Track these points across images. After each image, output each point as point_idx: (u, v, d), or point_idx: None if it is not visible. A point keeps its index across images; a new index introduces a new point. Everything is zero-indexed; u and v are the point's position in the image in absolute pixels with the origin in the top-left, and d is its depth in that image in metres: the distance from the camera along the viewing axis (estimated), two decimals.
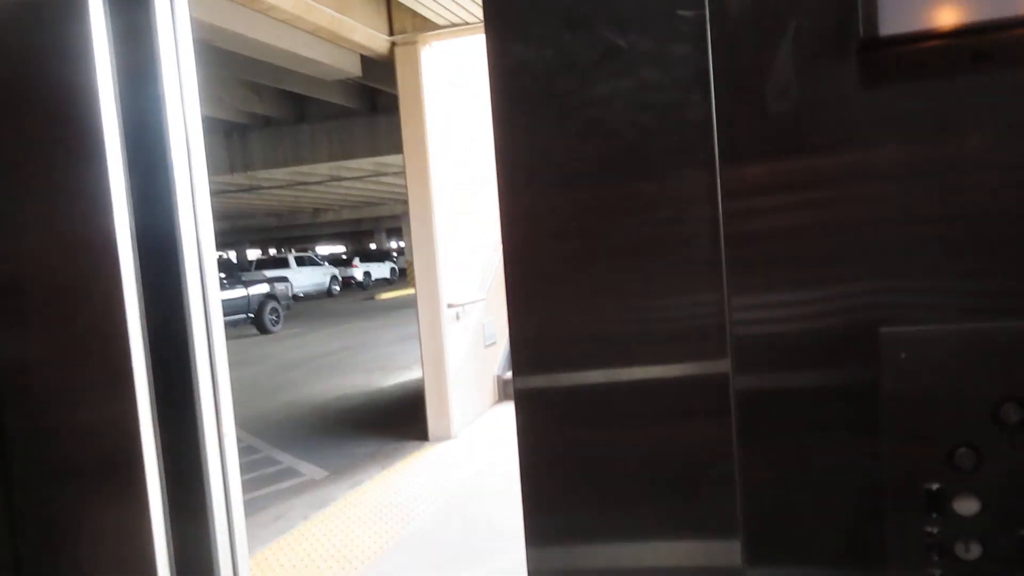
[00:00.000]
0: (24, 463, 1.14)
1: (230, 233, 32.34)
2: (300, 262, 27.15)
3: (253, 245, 38.81)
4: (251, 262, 26.94)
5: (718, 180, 0.81)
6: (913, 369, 0.76)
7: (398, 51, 5.90)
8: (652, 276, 0.83)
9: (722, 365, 0.82)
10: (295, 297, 20.98)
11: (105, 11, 1.04)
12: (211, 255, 1.14)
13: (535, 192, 0.82)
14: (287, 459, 6.06)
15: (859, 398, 0.78)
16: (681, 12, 0.82)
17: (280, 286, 16.52)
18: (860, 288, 0.77)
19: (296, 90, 9.89)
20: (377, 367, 10.21)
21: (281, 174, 15.62)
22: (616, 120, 0.83)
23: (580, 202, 0.83)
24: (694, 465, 0.83)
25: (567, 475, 0.86)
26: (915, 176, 0.75)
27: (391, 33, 5.89)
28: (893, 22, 0.74)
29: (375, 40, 5.77)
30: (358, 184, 19.42)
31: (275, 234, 36.14)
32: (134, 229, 1.06)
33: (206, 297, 1.14)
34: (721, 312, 0.81)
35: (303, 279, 25.83)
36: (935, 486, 0.74)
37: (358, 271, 30.49)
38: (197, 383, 1.12)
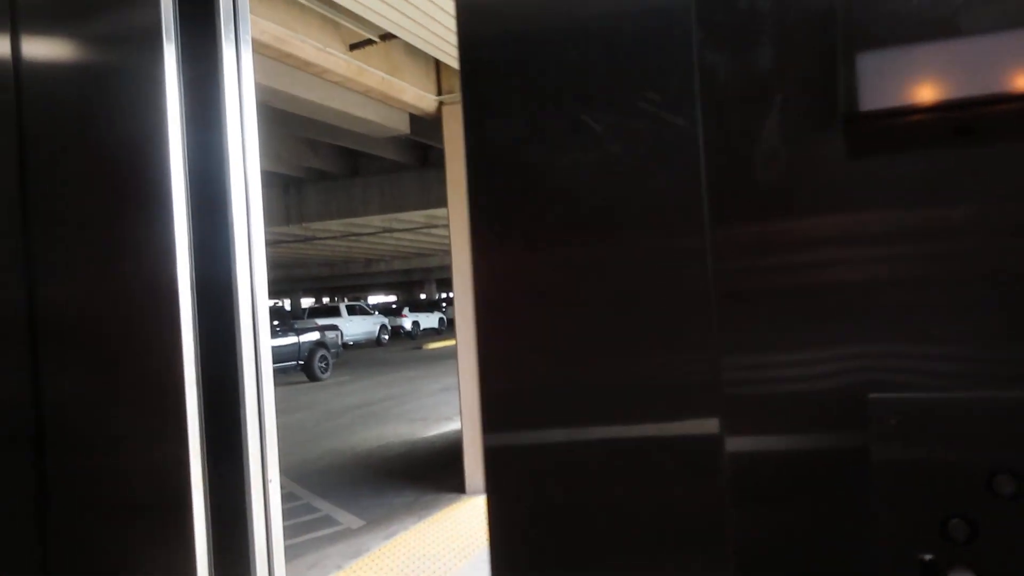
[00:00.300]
0: (66, 505, 1.18)
1: (285, 282, 33.24)
2: (351, 311, 27.65)
3: (307, 294, 39.74)
4: (304, 310, 27.54)
5: (708, 242, 0.84)
6: (904, 437, 0.75)
7: (445, 110, 6.11)
8: (635, 334, 0.85)
9: (711, 425, 0.82)
10: (345, 345, 21.28)
11: (177, 73, 1.13)
12: (264, 305, 1.19)
13: (507, 250, 0.86)
14: (325, 507, 6.09)
15: (854, 462, 0.77)
16: (671, 85, 0.86)
17: (330, 334, 16.83)
18: (849, 351, 0.78)
19: (350, 146, 10.29)
20: (420, 417, 10.24)
21: (335, 225, 16.11)
22: (601, 183, 0.87)
23: (560, 260, 0.86)
24: (679, 528, 0.83)
25: (542, 540, 0.86)
26: (902, 244, 0.76)
27: (439, 93, 6.13)
28: (874, 97, 0.76)
29: (424, 100, 6.01)
30: (409, 236, 19.85)
31: (328, 283, 36.98)
32: (193, 278, 1.11)
33: (257, 346, 1.19)
34: (711, 372, 0.82)
35: (353, 328, 26.26)
36: (928, 557, 0.73)
37: (407, 321, 30.85)
38: (245, 430, 1.16)
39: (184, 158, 1.11)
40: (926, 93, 0.75)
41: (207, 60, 1.16)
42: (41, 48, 1.21)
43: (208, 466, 1.11)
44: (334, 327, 18.24)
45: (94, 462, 1.15)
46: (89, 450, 1.15)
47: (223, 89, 1.15)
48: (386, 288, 44.94)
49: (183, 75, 1.13)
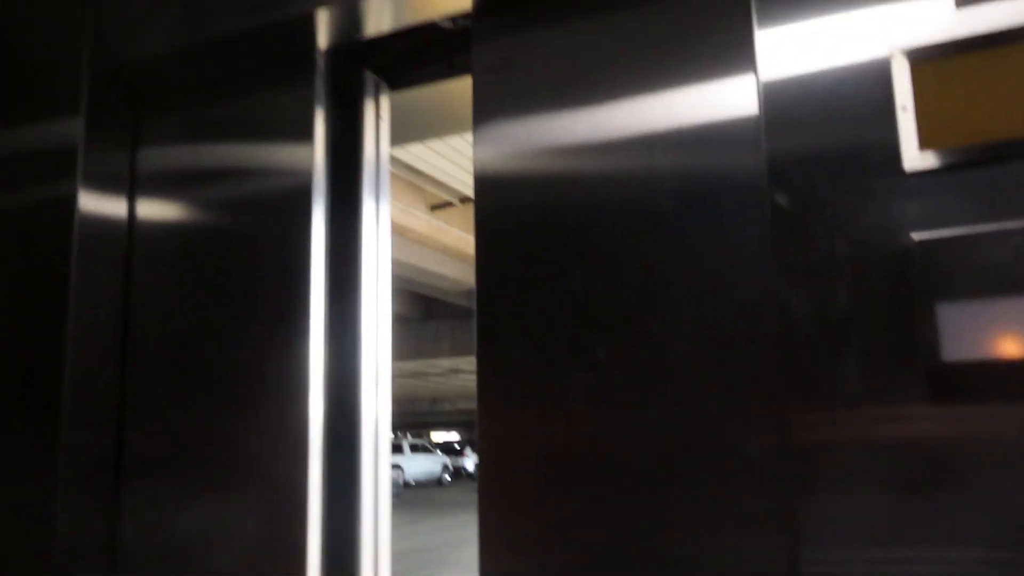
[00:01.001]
0: None
1: None
2: (414, 449, 27.40)
3: None
4: None
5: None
6: None
7: None
8: (705, 517, 0.84)
9: None
10: (406, 484, 20.87)
11: (325, 230, 1.24)
12: (386, 437, 1.28)
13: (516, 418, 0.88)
14: None
15: None
16: (750, 321, 0.90)
17: (392, 473, 16.65)
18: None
19: (425, 292, 10.72)
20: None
21: (406, 365, 16.43)
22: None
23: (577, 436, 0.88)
24: None
25: None
26: (988, 496, 0.75)
27: None
28: (956, 350, 0.77)
29: None
30: (474, 378, 19.98)
31: (393, 419, 37.14)
32: (327, 411, 1.21)
33: (378, 479, 1.32)
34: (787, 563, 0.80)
35: (415, 466, 25.87)
36: None
37: (469, 462, 30.27)
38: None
39: (325, 302, 1.21)
40: (1011, 347, 0.75)
41: (350, 218, 1.26)
42: (165, 209, 1.34)
43: None
44: (396, 466, 18.05)
45: None
46: None
47: (361, 246, 1.25)
48: (450, 426, 44.64)
49: (329, 232, 1.23)
